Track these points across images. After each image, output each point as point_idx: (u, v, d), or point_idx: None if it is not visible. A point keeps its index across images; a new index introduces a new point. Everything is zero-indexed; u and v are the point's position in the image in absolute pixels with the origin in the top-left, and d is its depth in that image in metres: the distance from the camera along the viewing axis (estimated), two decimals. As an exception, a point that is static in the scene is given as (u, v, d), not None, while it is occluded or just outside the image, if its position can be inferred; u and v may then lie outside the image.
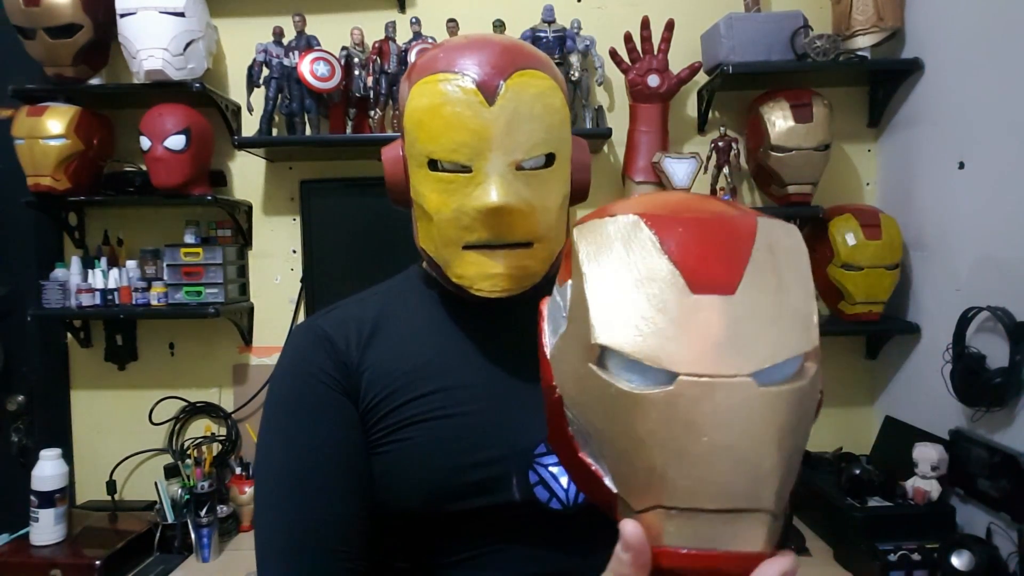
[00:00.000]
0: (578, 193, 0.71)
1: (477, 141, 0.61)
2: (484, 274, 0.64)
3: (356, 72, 1.80)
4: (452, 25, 1.79)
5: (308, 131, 1.84)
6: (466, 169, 0.62)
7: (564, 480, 0.63)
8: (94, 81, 1.83)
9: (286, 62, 1.79)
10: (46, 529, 1.63)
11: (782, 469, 0.36)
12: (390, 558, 0.69)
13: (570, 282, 0.42)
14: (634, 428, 0.37)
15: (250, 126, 1.91)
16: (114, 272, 1.85)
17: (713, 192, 1.84)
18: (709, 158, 1.85)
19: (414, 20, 1.82)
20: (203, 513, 1.64)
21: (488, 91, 0.61)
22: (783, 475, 0.36)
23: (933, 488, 1.49)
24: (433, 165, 0.64)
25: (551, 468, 0.63)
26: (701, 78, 1.88)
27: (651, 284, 0.37)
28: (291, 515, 0.62)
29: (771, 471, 0.35)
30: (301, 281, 1.97)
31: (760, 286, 0.37)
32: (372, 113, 1.82)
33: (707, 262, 0.37)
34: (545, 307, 0.48)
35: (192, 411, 1.98)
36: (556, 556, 0.63)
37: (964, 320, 1.44)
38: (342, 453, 0.64)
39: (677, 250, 0.38)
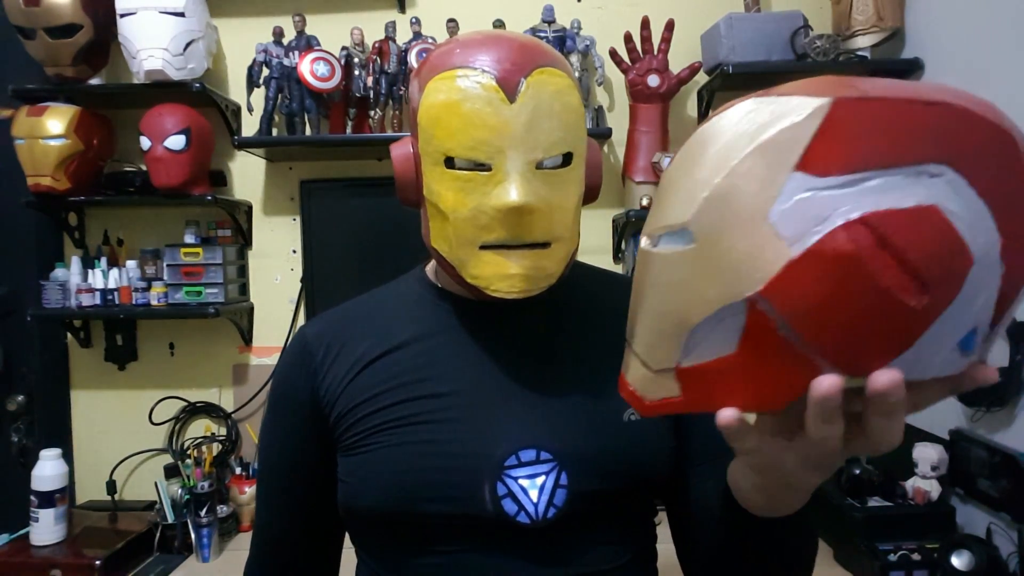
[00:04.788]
0: (589, 193, 0.70)
1: (497, 139, 0.59)
2: (501, 274, 0.62)
3: (356, 72, 1.80)
4: (452, 25, 1.79)
5: (308, 131, 1.84)
6: (485, 167, 0.61)
7: (533, 494, 0.62)
8: (94, 81, 1.83)
9: (286, 62, 1.78)
10: (46, 529, 1.63)
11: (645, 320, 0.42)
12: (370, 561, 0.69)
13: None
14: None
15: (250, 126, 1.91)
16: (114, 272, 1.85)
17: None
18: (709, 158, 1.85)
19: (414, 20, 1.82)
20: (203, 513, 1.64)
21: (509, 88, 0.60)
22: (647, 327, 0.42)
23: (933, 488, 1.49)
24: (450, 163, 0.62)
25: (521, 481, 0.62)
26: (701, 78, 1.88)
27: None
28: (259, 515, 0.77)
29: (638, 317, 0.43)
30: (301, 281, 1.97)
31: (681, 160, 0.40)
32: (372, 113, 1.82)
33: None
34: None
35: (192, 411, 1.98)
36: (529, 569, 0.62)
37: (964, 320, 1.44)
38: (289, 465, 0.73)
39: None
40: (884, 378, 0.35)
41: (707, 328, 0.38)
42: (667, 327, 0.40)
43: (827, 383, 0.35)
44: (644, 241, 0.42)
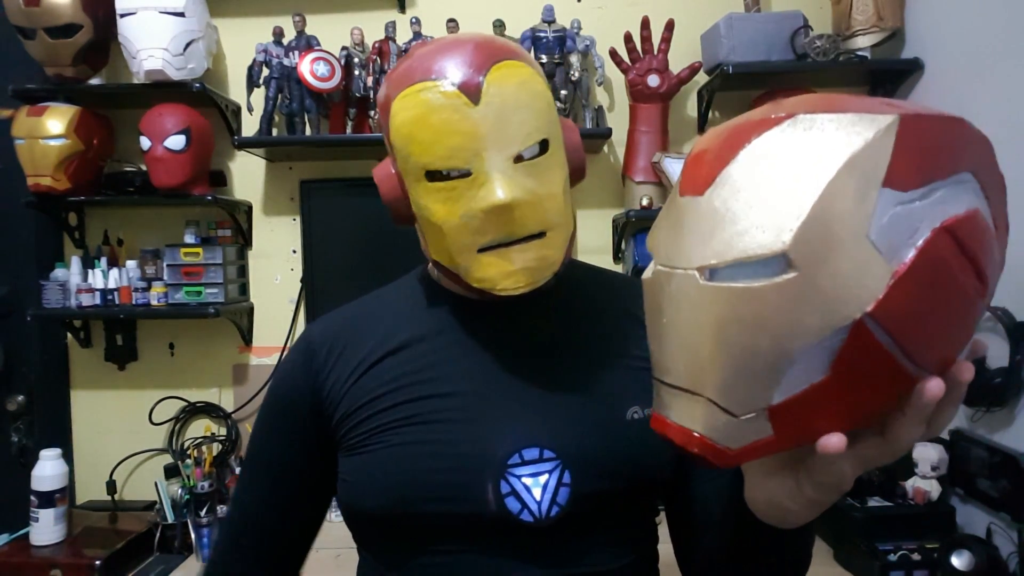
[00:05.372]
0: (575, 174, 0.70)
1: (471, 142, 0.60)
2: (504, 273, 0.62)
3: (356, 72, 1.80)
4: (452, 25, 1.79)
5: (308, 131, 1.84)
6: (466, 173, 0.61)
7: (537, 492, 0.62)
8: (94, 81, 1.83)
9: (286, 62, 1.79)
10: (46, 529, 1.63)
11: (726, 363, 0.38)
12: (372, 561, 0.69)
13: None
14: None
15: (250, 126, 1.91)
16: (114, 272, 1.85)
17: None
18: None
19: (414, 20, 1.82)
20: (203, 513, 1.64)
21: (471, 91, 0.60)
22: (730, 370, 0.38)
23: (933, 488, 1.49)
24: (431, 176, 0.62)
25: (524, 479, 0.62)
26: (701, 78, 1.88)
27: (674, 191, 0.43)
28: (239, 505, 0.76)
29: (711, 361, 0.38)
30: (301, 281, 1.97)
31: (732, 187, 0.38)
32: (372, 113, 1.82)
33: (697, 166, 0.40)
34: None
35: (192, 411, 1.98)
36: (530, 569, 0.62)
37: (964, 320, 1.44)
38: (278, 466, 0.73)
39: (689, 158, 0.42)
40: (968, 370, 0.38)
41: (800, 358, 0.36)
42: (758, 366, 0.37)
43: (936, 387, 0.37)
44: (696, 276, 0.38)
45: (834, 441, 0.38)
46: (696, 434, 0.40)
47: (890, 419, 0.39)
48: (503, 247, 0.62)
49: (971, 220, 0.36)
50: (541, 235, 0.63)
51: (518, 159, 0.62)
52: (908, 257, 0.35)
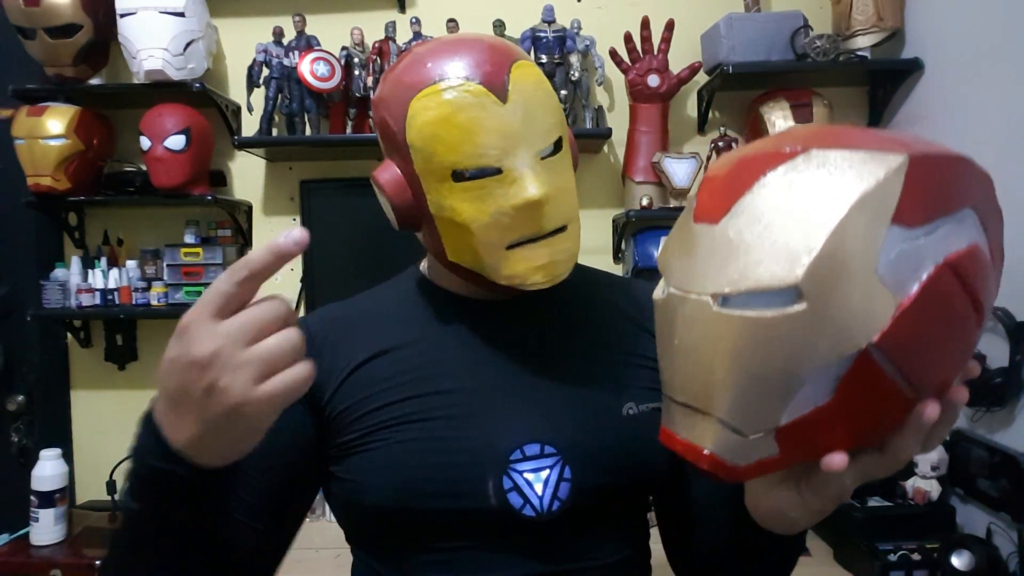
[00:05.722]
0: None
1: (501, 141, 0.60)
2: (534, 267, 0.63)
3: (356, 72, 1.80)
4: (452, 25, 1.79)
5: (308, 131, 1.84)
6: (496, 171, 0.61)
7: (538, 487, 0.62)
8: (94, 81, 1.83)
9: (286, 62, 1.79)
10: (46, 529, 1.63)
11: (737, 386, 0.40)
12: (369, 560, 0.69)
13: None
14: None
15: (250, 126, 1.91)
16: (114, 272, 1.85)
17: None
18: (709, 158, 1.85)
19: (414, 20, 1.82)
20: (203, 513, 1.64)
21: (497, 89, 0.60)
22: (741, 393, 0.40)
23: (933, 488, 1.49)
24: (458, 176, 0.62)
25: (526, 475, 0.62)
26: (701, 78, 1.88)
27: (686, 214, 0.45)
28: None
29: (723, 384, 0.40)
30: (301, 281, 1.97)
31: (747, 219, 0.39)
32: (372, 113, 1.82)
33: (712, 195, 0.42)
34: None
35: (192, 411, 1.98)
36: (530, 564, 0.63)
37: (964, 320, 1.44)
38: (282, 434, 0.64)
39: (703, 185, 0.44)
40: (964, 394, 0.41)
41: (807, 383, 0.38)
42: (767, 390, 0.39)
43: (934, 410, 0.39)
44: (710, 302, 0.40)
45: (837, 460, 0.40)
46: (706, 451, 0.42)
47: (889, 437, 0.41)
48: (530, 243, 0.63)
49: (971, 255, 0.39)
50: (563, 229, 0.65)
51: (541, 156, 0.63)
52: (913, 291, 0.37)
